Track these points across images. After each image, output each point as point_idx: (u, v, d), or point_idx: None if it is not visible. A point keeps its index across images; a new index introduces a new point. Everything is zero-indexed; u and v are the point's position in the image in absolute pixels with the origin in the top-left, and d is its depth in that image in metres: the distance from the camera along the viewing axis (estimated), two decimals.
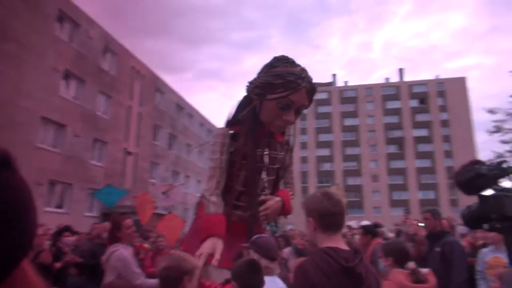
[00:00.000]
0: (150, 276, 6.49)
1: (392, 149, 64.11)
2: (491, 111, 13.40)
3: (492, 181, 1.61)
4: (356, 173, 63.57)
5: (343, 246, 1.85)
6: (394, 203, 60.55)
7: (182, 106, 35.19)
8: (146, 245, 7.81)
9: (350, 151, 64.75)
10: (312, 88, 2.65)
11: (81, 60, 21.45)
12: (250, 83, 2.73)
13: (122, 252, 3.64)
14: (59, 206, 19.81)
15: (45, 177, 18.48)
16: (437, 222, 3.94)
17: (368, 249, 4.98)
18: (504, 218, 1.51)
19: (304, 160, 64.32)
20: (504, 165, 1.64)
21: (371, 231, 5.39)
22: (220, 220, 2.52)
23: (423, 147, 62.59)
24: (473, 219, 1.73)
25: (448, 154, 61.09)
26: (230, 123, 2.94)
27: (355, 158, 63.83)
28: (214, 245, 2.36)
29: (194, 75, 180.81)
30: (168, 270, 2.10)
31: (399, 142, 63.91)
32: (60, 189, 20.02)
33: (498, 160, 1.83)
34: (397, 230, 6.16)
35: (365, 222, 9.71)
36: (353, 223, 9.46)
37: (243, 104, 2.85)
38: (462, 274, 3.59)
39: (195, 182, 36.54)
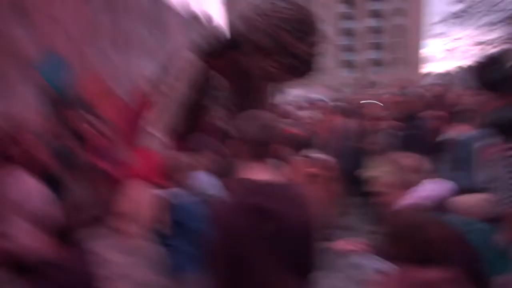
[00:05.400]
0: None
1: (343, 8, 62.36)
2: None
3: None
4: None
5: (262, 176, 1.57)
6: (342, 64, 61.82)
7: None
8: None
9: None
10: (310, 69, 2.43)
11: None
12: (249, 28, 2.34)
13: (26, 182, 2.40)
14: None
15: None
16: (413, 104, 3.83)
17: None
18: None
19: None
20: None
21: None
22: (158, 163, 2.22)
23: (376, 5, 61.30)
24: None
25: (401, 12, 60.62)
26: (207, 52, 2.59)
27: None
28: (151, 198, 2.07)
29: None
30: None
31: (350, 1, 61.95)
32: None
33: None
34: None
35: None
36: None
37: (229, 40, 2.51)
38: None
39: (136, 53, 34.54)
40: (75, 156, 6.70)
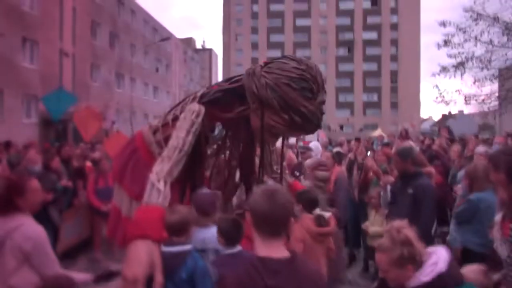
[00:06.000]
0: (96, 209, 6.48)
1: (342, 52, 64.35)
2: (443, 24, 13.31)
3: None
4: None
5: (280, 253, 1.60)
6: (340, 105, 62.96)
7: (122, 1, 31.78)
8: (89, 164, 7.48)
9: (301, 53, 63.96)
10: (316, 128, 2.43)
11: None
12: (255, 84, 2.35)
13: (34, 228, 2.56)
14: None
15: None
16: (406, 163, 3.82)
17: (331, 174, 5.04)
18: None
19: (254, 61, 62.84)
20: None
21: (338, 158, 5.44)
22: (159, 217, 2.11)
23: (372, 50, 63.35)
24: None
25: (394, 58, 62.64)
26: (210, 101, 2.59)
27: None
28: (151, 258, 1.91)
29: None
30: None
31: (349, 44, 63.97)
32: None
33: None
34: (350, 159, 6.23)
35: (315, 143, 9.94)
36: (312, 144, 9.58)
37: (235, 92, 2.53)
38: (432, 216, 3.71)
39: (141, 85, 34.96)
40: (73, 195, 6.63)
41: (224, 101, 2.64)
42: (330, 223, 3.18)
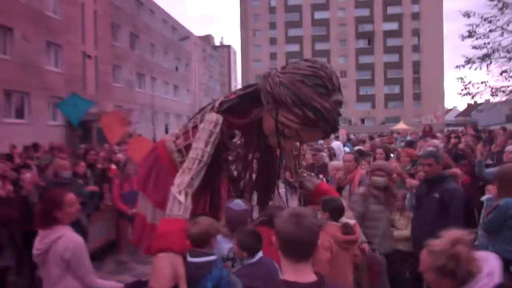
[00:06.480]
0: (121, 211, 6.63)
1: (362, 44, 63.24)
2: (467, 14, 12.86)
3: None
4: None
5: (307, 277, 1.59)
6: (361, 98, 62.03)
7: (141, 1, 32.16)
8: (113, 167, 7.64)
9: (320, 46, 63.36)
10: (333, 128, 2.35)
11: None
12: (269, 82, 2.32)
13: (73, 238, 2.77)
14: (20, 117, 18.91)
15: None
16: (439, 166, 3.74)
17: (352, 176, 5.03)
18: None
19: (273, 56, 62.86)
20: None
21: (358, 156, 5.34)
22: (181, 229, 2.13)
23: (392, 42, 62.00)
24: None
25: (416, 49, 61.16)
26: (227, 109, 2.59)
27: (325, 53, 62.77)
28: (174, 270, 1.96)
29: None
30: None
31: (368, 36, 62.79)
32: (18, 99, 18.88)
33: None
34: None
35: (337, 143, 9.80)
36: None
37: (251, 97, 2.49)
38: (459, 222, 3.52)
39: (162, 84, 35.37)
40: (99, 198, 6.79)
41: (241, 108, 2.64)
42: (355, 231, 3.19)
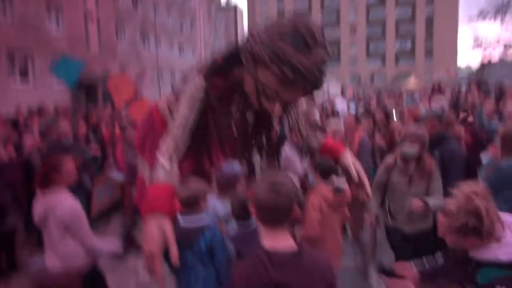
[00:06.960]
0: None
1: None
2: None
3: None
4: (335, 25, 61.35)
5: (285, 242, 1.60)
6: (371, 55, 60.56)
7: None
8: (117, 131, 7.64)
9: (329, 2, 61.24)
10: (314, 87, 2.16)
11: None
12: (250, 41, 2.18)
13: (71, 203, 2.91)
14: (25, 82, 18.91)
15: (1, 51, 17.07)
16: (443, 126, 3.63)
17: (353, 136, 4.97)
18: None
19: (280, 14, 60.93)
20: None
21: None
22: (167, 192, 2.11)
23: None
24: None
25: (430, 2, 58.65)
26: (210, 71, 2.45)
27: (334, 9, 60.72)
28: (163, 232, 1.94)
29: None
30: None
31: None
32: (22, 62, 18.79)
33: None
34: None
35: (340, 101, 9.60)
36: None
37: (233, 57, 2.34)
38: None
39: (166, 43, 34.75)
40: (103, 160, 6.85)
41: (225, 70, 2.52)
42: (346, 192, 3.21)
